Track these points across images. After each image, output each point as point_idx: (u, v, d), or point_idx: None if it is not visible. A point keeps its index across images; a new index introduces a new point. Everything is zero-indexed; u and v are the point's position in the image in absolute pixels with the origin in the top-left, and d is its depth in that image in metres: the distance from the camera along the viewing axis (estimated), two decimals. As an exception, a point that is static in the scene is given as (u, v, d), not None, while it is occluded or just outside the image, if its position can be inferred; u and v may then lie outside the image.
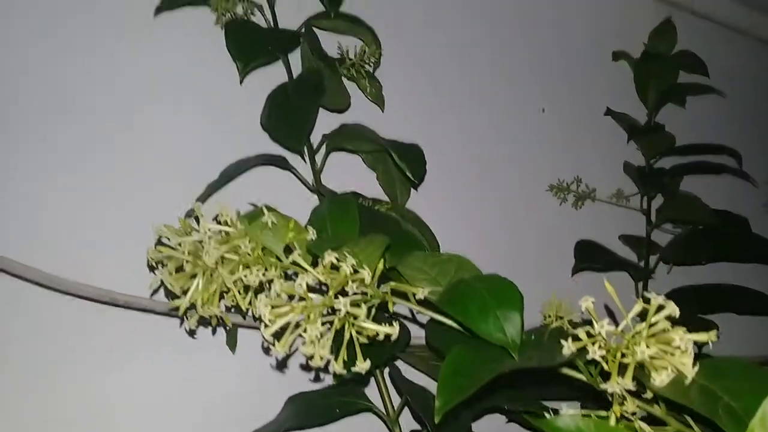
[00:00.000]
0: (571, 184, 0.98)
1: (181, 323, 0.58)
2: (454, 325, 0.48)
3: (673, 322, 0.41)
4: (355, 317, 0.45)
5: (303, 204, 0.73)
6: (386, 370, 0.67)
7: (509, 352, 0.41)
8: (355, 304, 0.44)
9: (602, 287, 0.79)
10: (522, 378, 0.64)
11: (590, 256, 0.86)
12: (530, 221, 0.96)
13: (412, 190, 0.80)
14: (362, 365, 0.44)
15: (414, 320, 0.62)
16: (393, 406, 0.67)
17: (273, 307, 0.43)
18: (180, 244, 0.50)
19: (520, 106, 0.99)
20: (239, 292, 0.50)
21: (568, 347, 0.41)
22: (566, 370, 0.46)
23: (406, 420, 0.69)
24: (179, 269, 0.51)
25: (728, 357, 0.41)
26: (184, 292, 0.50)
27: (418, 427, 0.70)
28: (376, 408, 0.67)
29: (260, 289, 0.51)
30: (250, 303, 0.52)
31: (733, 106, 1.13)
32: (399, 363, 0.67)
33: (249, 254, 0.48)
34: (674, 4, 1.11)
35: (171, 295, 0.52)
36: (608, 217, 0.99)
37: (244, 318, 0.54)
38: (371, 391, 0.68)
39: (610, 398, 0.43)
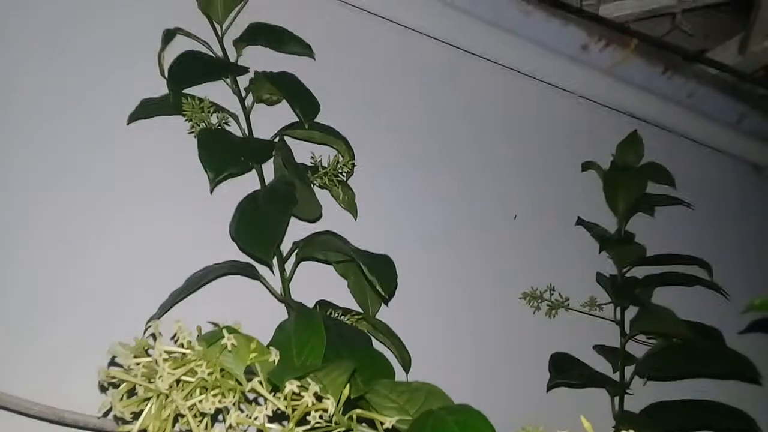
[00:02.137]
0: (544, 293, 0.97)
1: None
2: (422, 456, 0.46)
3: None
4: (317, 449, 0.43)
5: (271, 313, 0.71)
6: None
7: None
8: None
9: (578, 402, 0.77)
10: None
11: (566, 371, 0.84)
12: (504, 330, 0.94)
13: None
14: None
15: None
16: None
17: (229, 441, 0.40)
18: (133, 367, 0.47)
19: (493, 212, 0.99)
20: (194, 416, 0.47)
21: (543, 488, 0.39)
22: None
23: None
24: (132, 391, 0.48)
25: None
26: (136, 417, 0.47)
27: None
28: None
29: (217, 413, 0.48)
30: (206, 429, 0.49)
31: (701, 216, 1.15)
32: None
33: (206, 378, 0.46)
34: (640, 119, 1.14)
35: (122, 419, 0.48)
36: (582, 326, 0.98)
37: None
38: None
39: None
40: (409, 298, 0.86)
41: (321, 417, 0.43)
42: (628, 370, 0.92)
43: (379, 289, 0.62)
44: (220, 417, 0.47)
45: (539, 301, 0.97)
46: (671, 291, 1.01)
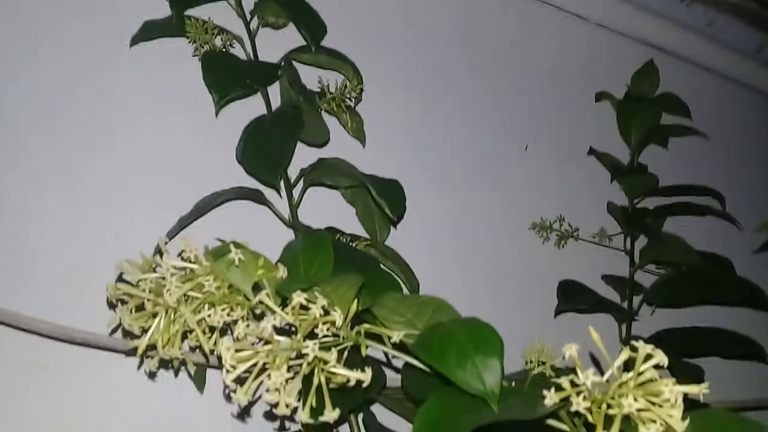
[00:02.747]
0: (554, 223, 0.96)
1: (140, 365, 0.55)
2: (429, 370, 0.46)
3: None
4: (325, 362, 0.43)
5: (279, 240, 0.70)
6: (360, 416, 0.64)
7: (488, 402, 0.38)
8: (325, 348, 0.42)
9: (585, 329, 0.77)
10: (503, 427, 0.61)
11: (573, 297, 0.84)
12: (512, 260, 0.94)
13: (392, 227, 0.78)
14: (331, 414, 0.41)
15: (389, 364, 0.59)
16: (369, 455, 0.64)
17: (236, 351, 0.40)
18: (141, 282, 0.47)
19: (504, 143, 0.97)
20: (203, 332, 0.47)
21: (551, 398, 0.38)
22: (549, 421, 0.43)
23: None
24: (140, 308, 0.48)
25: (718, 409, 0.38)
26: (144, 332, 0.47)
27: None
28: (349, 453, 0.63)
29: (226, 329, 0.48)
30: (215, 344, 0.49)
31: (716, 148, 1.13)
32: (374, 406, 0.64)
33: (214, 293, 0.46)
34: (658, 47, 1.11)
35: (130, 334, 0.49)
36: (591, 256, 0.97)
37: (208, 360, 0.51)
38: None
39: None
40: (418, 226, 0.85)
41: (328, 330, 0.43)
42: (637, 300, 0.92)
43: (388, 212, 0.61)
44: (229, 333, 0.47)
45: (549, 231, 0.96)
46: (682, 222, 1.00)
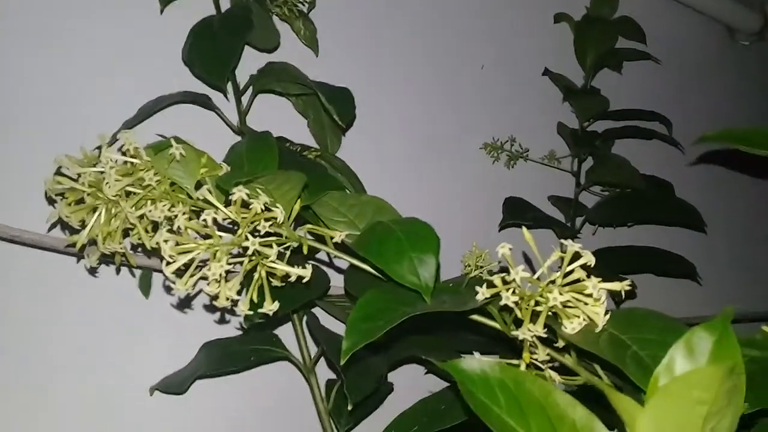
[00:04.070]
0: (505, 143, 0.97)
1: (79, 260, 0.55)
2: (372, 270, 0.47)
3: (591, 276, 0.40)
4: (266, 257, 0.43)
5: (227, 147, 0.69)
6: (304, 319, 0.66)
7: (422, 296, 0.39)
8: (266, 245, 0.42)
9: (527, 243, 0.79)
10: (438, 327, 0.64)
11: (518, 213, 0.86)
12: (462, 177, 0.95)
13: (343, 139, 0.77)
14: (270, 306, 0.42)
15: (331, 265, 0.60)
16: (310, 355, 0.66)
17: (175, 243, 0.41)
18: (80, 176, 0.46)
19: (459, 61, 0.97)
20: (145, 229, 0.47)
21: (482, 293, 0.40)
22: (478, 317, 0.45)
23: (323, 370, 0.67)
24: (79, 203, 0.47)
25: (640, 308, 0.41)
26: (84, 227, 0.47)
27: (334, 376, 0.69)
28: (292, 356, 0.65)
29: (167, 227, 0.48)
30: (157, 243, 0.49)
31: (669, 75, 1.14)
32: (318, 312, 0.66)
33: (155, 187, 0.45)
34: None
35: (70, 230, 0.48)
36: (539, 177, 0.99)
37: (149, 258, 0.51)
38: (289, 340, 0.66)
39: (521, 345, 0.43)
40: (369, 141, 0.85)
41: (271, 227, 0.44)
42: (579, 221, 0.95)
43: (337, 119, 0.61)
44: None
45: (499, 151, 0.97)
46: (629, 147, 1.02)
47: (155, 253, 0.49)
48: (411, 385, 0.73)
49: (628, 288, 0.39)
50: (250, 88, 0.71)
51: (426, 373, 0.73)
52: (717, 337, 0.29)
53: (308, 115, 0.78)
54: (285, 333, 0.67)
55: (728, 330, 0.29)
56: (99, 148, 0.48)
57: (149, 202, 0.47)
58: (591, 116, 0.97)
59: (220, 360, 0.63)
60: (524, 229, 0.41)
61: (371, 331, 0.37)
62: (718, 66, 1.27)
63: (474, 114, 0.97)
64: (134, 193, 0.46)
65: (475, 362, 0.32)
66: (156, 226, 0.49)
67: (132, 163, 0.46)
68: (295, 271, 0.43)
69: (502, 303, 0.39)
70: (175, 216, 0.44)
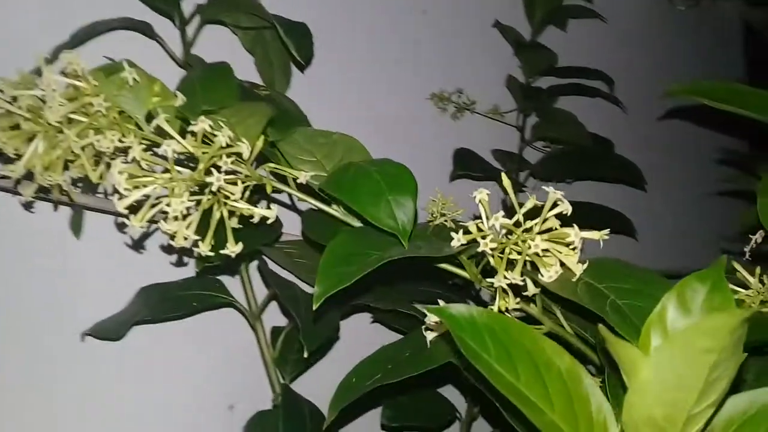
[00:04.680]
0: (452, 94, 0.96)
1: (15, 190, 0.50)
2: (337, 214, 0.45)
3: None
4: (228, 196, 0.40)
5: (171, 81, 0.65)
6: (252, 264, 0.63)
7: (398, 240, 0.38)
8: (231, 182, 0.39)
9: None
10: (389, 277, 0.62)
11: (469, 164, 0.85)
12: (409, 127, 0.93)
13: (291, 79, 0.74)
14: (233, 248, 0.40)
15: (293, 208, 0.57)
16: (256, 302, 0.64)
17: (131, 176, 0.37)
18: (17, 99, 0.42)
19: (408, 4, 0.94)
20: (89, 161, 0.43)
21: (458, 239, 0.39)
22: (447, 266, 0.44)
23: (269, 317, 0.65)
24: (15, 129, 0.43)
25: (611, 258, 0.40)
26: (20, 156, 0.42)
27: (280, 324, 0.67)
28: (237, 303, 0.63)
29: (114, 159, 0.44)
30: (101, 177, 0.45)
31: (609, 36, 1.15)
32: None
33: (103, 115, 0.41)
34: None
35: (4, 159, 0.44)
36: (484, 131, 0.98)
37: (94, 193, 0.47)
38: (234, 287, 0.63)
39: (492, 294, 0.42)
40: (314, 84, 0.81)
41: (233, 164, 0.41)
42: (523, 176, 0.95)
43: (295, 54, 0.57)
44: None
45: (447, 102, 0.96)
46: (572, 105, 1.03)
47: (96, 188, 0.45)
48: (354, 335, 0.72)
49: (605, 238, 0.39)
50: (197, 17, 0.66)
51: (372, 322, 0.72)
52: (710, 287, 0.29)
53: (256, 52, 0.74)
54: (227, 279, 0.64)
55: (721, 279, 0.29)
56: (38, 69, 0.43)
57: (92, 132, 0.43)
58: (539, 71, 0.97)
59: (160, 305, 0.60)
60: (503, 175, 0.40)
61: (345, 276, 0.35)
62: (658, 29, 1.30)
63: (423, 63, 0.95)
64: (78, 121, 0.42)
65: (464, 308, 0.30)
66: (98, 158, 0.45)
67: (77, 87, 0.41)
68: (259, 212, 0.40)
69: (479, 249, 0.38)
70: (128, 147, 0.40)
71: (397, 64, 0.92)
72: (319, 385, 0.65)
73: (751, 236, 0.49)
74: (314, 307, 0.35)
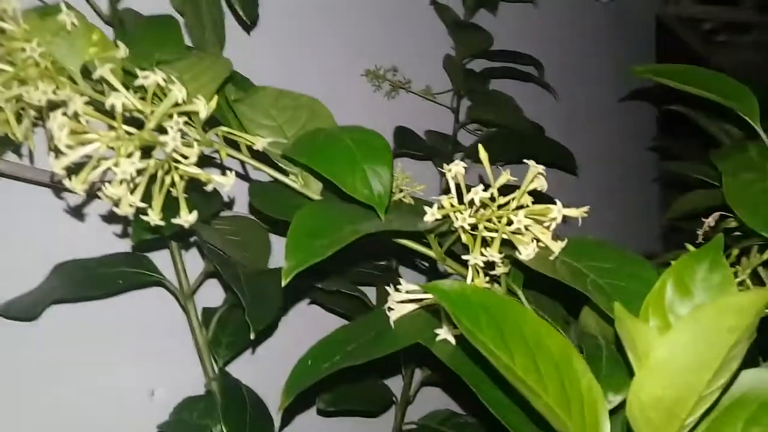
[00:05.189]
0: (387, 72, 0.93)
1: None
2: (295, 185, 0.42)
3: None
4: (178, 161, 0.36)
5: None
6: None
7: (372, 212, 0.35)
8: (187, 144, 0.35)
9: (419, 175, 0.77)
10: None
11: (408, 143, 0.83)
12: (341, 104, 0.89)
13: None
14: (187, 217, 0.36)
15: (246, 177, 0.53)
16: (188, 281, 0.59)
17: (73, 132, 0.32)
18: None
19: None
20: (15, 115, 0.38)
21: (433, 214, 0.37)
22: (411, 244, 0.42)
23: (201, 297, 0.61)
24: None
25: (587, 237, 0.40)
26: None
27: (212, 305, 0.62)
28: (168, 282, 0.58)
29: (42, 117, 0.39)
30: (27, 137, 0.40)
31: (545, 16, 1.16)
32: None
33: (34, 64, 0.36)
34: None
35: None
36: (419, 111, 0.97)
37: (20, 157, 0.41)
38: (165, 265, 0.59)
39: (452, 275, 0.41)
40: (247, 58, 0.77)
41: (185, 125, 0.37)
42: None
43: (242, 14, 0.53)
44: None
45: (381, 80, 0.93)
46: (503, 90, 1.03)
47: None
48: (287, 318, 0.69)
49: (585, 215, 0.38)
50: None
51: (310, 303, 0.69)
52: (708, 265, 0.28)
53: (186, 14, 0.68)
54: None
55: (719, 257, 0.28)
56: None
57: (16, 83, 0.38)
58: (474, 52, 0.96)
59: (81, 283, 0.55)
60: (480, 146, 0.38)
61: (318, 250, 0.32)
62: (580, 21, 1.32)
63: (358, 39, 0.92)
64: (3, 70, 0.36)
65: (457, 284, 0.28)
66: (21, 114, 0.40)
67: (3, 29, 0.36)
68: (217, 179, 0.36)
69: (457, 225, 0.36)
70: (62, 102, 0.35)
71: (331, 39, 0.88)
72: (252, 372, 0.62)
73: (704, 219, 0.50)
74: (283, 283, 0.32)
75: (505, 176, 0.39)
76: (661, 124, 1.42)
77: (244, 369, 0.62)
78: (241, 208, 0.59)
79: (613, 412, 0.31)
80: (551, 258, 0.36)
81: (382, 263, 0.75)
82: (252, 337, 0.46)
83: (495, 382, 0.33)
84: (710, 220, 0.49)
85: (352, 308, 0.63)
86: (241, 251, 0.53)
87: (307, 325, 0.71)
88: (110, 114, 0.35)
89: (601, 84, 1.33)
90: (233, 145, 0.42)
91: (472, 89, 0.94)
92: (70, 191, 0.33)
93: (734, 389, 0.29)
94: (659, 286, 0.28)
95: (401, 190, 0.52)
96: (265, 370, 0.61)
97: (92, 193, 0.41)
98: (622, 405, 0.35)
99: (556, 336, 0.30)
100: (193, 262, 0.60)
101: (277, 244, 0.58)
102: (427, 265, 0.74)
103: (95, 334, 0.60)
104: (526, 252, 0.36)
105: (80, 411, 0.60)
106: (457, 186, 0.39)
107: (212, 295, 0.64)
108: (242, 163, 0.42)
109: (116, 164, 0.32)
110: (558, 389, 0.29)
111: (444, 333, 0.37)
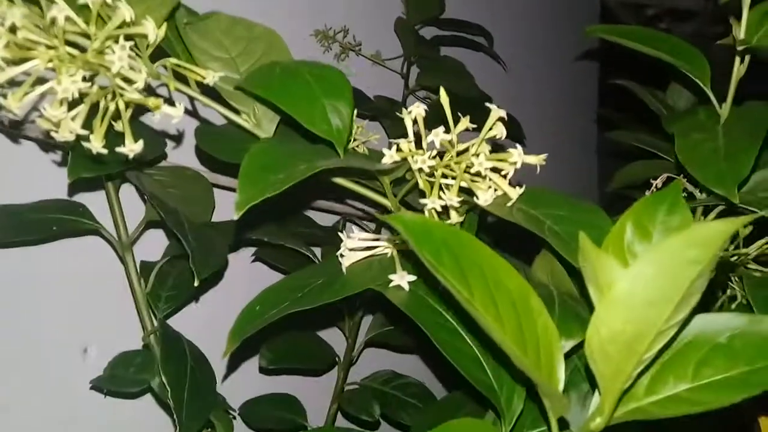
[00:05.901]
0: (338, 33, 0.91)
1: None
2: (247, 125, 0.40)
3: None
4: (122, 87, 0.34)
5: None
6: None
7: (331, 150, 0.34)
8: (133, 68, 0.33)
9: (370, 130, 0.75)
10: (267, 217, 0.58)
11: (360, 102, 0.81)
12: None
13: None
14: (133, 146, 0.34)
15: (194, 114, 0.51)
16: (127, 230, 0.56)
17: (9, 44, 0.30)
18: None
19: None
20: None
21: (391, 156, 0.36)
22: (362, 189, 0.41)
23: (140, 249, 0.58)
24: None
25: (539, 187, 0.39)
26: None
27: (151, 259, 0.60)
28: (105, 230, 0.55)
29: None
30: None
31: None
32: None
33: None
34: None
35: None
36: (368, 75, 0.95)
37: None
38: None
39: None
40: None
41: (132, 51, 0.34)
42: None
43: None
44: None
45: (331, 41, 0.91)
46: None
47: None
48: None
49: (543, 163, 0.37)
50: None
51: (253, 261, 0.67)
52: (667, 208, 0.29)
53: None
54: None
55: (679, 199, 0.29)
56: None
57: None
58: (426, 18, 0.95)
59: (11, 228, 0.51)
60: (442, 89, 0.37)
61: (274, 184, 0.31)
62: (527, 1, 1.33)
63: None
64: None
65: (420, 218, 0.28)
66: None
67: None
68: (166, 109, 0.34)
69: (416, 167, 0.35)
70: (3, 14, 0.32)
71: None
72: (192, 326, 0.60)
73: (652, 181, 0.51)
74: (236, 217, 0.30)
75: (465, 121, 0.38)
76: (602, 99, 1.45)
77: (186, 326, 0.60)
78: (185, 155, 0.56)
79: (565, 358, 0.31)
80: (508, 205, 0.36)
81: (328, 226, 0.74)
82: (196, 284, 0.44)
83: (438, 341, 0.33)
84: (658, 182, 0.50)
85: (297, 267, 0.62)
86: (183, 204, 0.51)
87: (251, 284, 0.69)
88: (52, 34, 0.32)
89: (547, 60, 1.35)
90: (182, 80, 0.40)
91: (423, 55, 0.93)
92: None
93: (686, 333, 0.30)
94: (618, 228, 0.28)
95: (355, 140, 0.50)
96: (208, 328, 0.59)
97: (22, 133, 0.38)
98: (573, 351, 0.35)
99: (514, 275, 0.29)
100: (133, 211, 0.58)
101: (220, 198, 0.56)
102: (373, 227, 0.73)
103: (24, 283, 0.57)
104: (485, 197, 0.36)
105: (6, 364, 0.57)
106: (416, 133, 0.38)
107: (153, 248, 0.61)
108: (191, 99, 0.40)
109: (58, 82, 0.30)
110: (515, 328, 0.28)
111: (398, 279, 0.37)
